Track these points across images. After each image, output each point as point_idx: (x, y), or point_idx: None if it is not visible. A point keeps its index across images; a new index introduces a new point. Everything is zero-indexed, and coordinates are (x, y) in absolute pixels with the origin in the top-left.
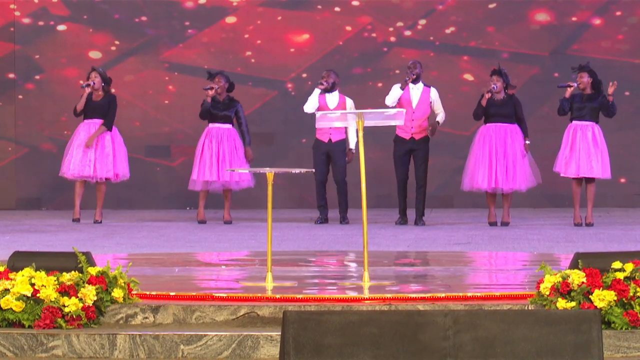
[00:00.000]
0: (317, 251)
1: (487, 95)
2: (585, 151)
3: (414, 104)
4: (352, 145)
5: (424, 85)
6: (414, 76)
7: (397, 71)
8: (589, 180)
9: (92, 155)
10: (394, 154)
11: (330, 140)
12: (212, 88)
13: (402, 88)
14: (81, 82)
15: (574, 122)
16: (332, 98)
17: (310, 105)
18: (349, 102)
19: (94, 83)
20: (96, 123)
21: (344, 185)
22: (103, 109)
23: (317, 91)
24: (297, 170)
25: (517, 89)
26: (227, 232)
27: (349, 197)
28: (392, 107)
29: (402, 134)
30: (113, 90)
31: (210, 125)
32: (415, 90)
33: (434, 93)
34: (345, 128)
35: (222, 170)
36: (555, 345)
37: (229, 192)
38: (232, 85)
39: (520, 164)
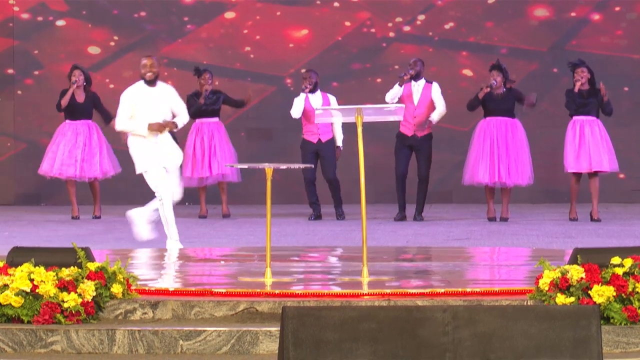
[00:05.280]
0: (316, 247)
1: (486, 90)
2: (595, 146)
3: (416, 100)
4: (339, 143)
5: (426, 81)
6: (413, 72)
7: (397, 66)
8: (593, 175)
9: (79, 155)
10: (395, 148)
11: (319, 140)
12: (207, 90)
13: (400, 85)
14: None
15: (576, 117)
16: (316, 98)
17: (297, 110)
18: (332, 99)
19: (78, 81)
20: (81, 124)
21: (336, 182)
22: (87, 110)
23: (302, 95)
24: (296, 166)
25: (515, 83)
26: (226, 227)
27: (348, 193)
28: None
29: (405, 130)
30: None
31: (198, 120)
32: (417, 87)
33: (435, 88)
34: (332, 126)
35: (219, 164)
36: (554, 341)
37: (225, 185)
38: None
39: (522, 159)
